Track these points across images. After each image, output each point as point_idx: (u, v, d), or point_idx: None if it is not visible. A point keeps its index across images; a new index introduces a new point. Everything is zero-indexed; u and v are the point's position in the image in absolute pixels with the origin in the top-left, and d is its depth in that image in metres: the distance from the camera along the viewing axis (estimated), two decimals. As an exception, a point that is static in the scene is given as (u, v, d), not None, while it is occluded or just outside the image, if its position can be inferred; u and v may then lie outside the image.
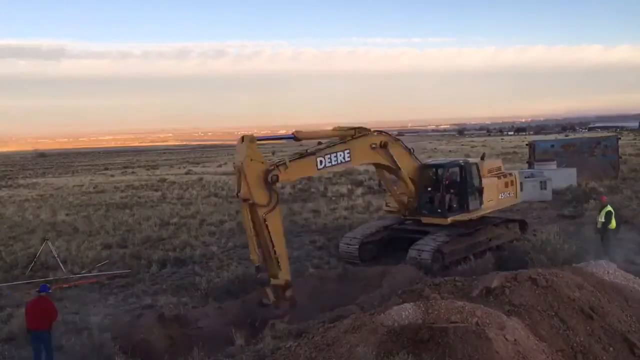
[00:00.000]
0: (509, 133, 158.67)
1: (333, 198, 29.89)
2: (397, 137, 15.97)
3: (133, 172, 64.68)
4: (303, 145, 13.72)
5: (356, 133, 13.71)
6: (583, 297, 8.64)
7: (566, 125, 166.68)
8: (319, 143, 13.85)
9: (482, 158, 17.58)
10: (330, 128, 14.19)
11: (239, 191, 11.44)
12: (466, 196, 15.92)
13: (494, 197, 16.75)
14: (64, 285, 15.11)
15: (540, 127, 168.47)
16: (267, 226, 11.30)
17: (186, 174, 56.55)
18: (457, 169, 16.27)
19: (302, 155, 12.59)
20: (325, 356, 7.68)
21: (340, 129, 13.80)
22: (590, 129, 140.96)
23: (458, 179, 16.19)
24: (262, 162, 11.54)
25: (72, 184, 49.86)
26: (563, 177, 27.68)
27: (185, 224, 23.74)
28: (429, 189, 15.97)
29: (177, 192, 37.94)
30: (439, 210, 15.71)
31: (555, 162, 29.94)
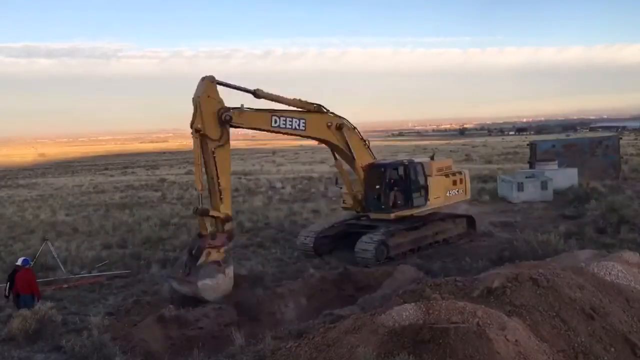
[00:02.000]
0: (510, 133, 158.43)
1: (333, 198, 29.86)
2: (354, 126, 16.31)
3: (133, 172, 64.70)
4: None
5: (315, 108, 14.83)
6: (584, 297, 8.61)
7: (567, 125, 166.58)
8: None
9: (432, 158, 18.75)
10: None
11: (192, 123, 12.47)
12: (410, 193, 16.76)
13: (442, 194, 17.69)
14: (64, 286, 15.09)
15: (542, 127, 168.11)
16: (214, 160, 12.45)
17: (186, 174, 56.57)
18: (402, 168, 17.09)
19: (260, 110, 13.86)
20: (325, 357, 7.66)
21: (302, 101, 14.69)
22: (591, 129, 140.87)
23: (402, 177, 16.98)
24: (219, 102, 12.75)
25: (71, 184, 49.90)
26: (564, 177, 27.68)
27: (185, 224, 23.65)
28: (377, 186, 16.64)
29: (177, 192, 37.94)
30: (383, 207, 16.52)
31: (556, 162, 29.91)
